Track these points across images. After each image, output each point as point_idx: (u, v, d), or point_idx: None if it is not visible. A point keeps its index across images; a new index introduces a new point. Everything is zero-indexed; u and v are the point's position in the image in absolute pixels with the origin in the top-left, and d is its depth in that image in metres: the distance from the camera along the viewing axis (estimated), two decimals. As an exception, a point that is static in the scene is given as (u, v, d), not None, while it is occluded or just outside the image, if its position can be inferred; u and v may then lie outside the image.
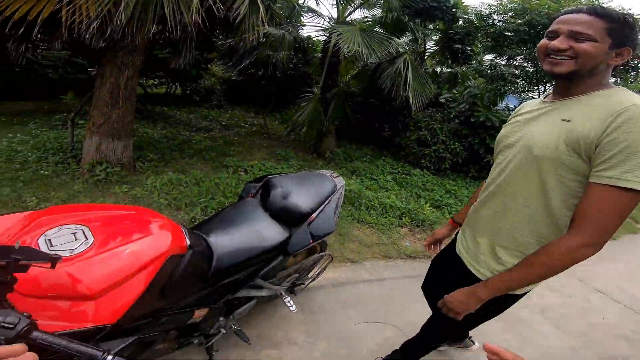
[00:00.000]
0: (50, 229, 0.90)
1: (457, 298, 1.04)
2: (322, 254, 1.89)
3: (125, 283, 0.87)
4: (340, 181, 1.76)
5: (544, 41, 0.92)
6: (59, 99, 5.22)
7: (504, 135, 1.06)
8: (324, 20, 5.62)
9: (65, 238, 0.88)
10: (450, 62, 7.00)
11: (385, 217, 3.31)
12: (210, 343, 1.52)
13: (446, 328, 1.30)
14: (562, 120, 0.87)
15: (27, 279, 0.74)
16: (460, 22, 6.50)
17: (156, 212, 1.15)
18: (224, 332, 1.54)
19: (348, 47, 4.02)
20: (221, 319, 1.48)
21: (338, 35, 4.13)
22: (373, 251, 2.73)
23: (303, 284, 2.02)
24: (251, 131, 6.51)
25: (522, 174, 0.95)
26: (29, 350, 0.57)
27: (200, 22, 2.77)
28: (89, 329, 0.80)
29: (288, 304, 1.68)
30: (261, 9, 3.34)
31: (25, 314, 0.60)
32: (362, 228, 3.08)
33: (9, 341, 0.58)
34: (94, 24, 2.42)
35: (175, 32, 2.75)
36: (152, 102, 7.38)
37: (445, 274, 1.34)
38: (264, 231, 1.38)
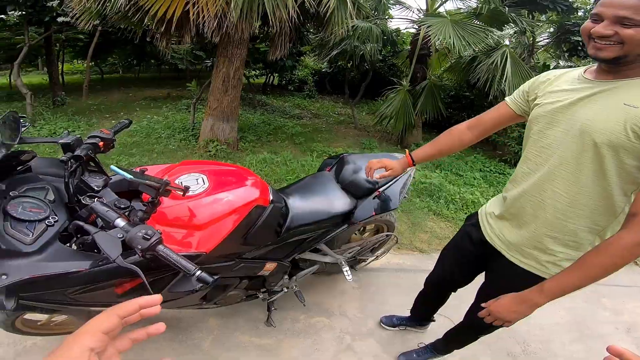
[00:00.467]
0: (182, 174, 1.25)
1: (508, 307, 0.97)
2: (388, 234, 1.97)
3: (222, 220, 1.12)
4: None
5: (587, 24, 0.84)
6: (185, 87, 6.33)
7: (543, 114, 0.96)
8: (412, 12, 5.50)
9: (190, 182, 1.21)
10: (567, 55, 6.27)
11: (465, 212, 3.19)
12: (272, 299, 1.70)
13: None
14: (625, 105, 0.80)
15: (159, 211, 1.04)
16: (580, 14, 5.71)
17: (252, 172, 1.44)
18: (286, 291, 1.72)
19: (438, 38, 3.90)
20: (285, 278, 1.66)
21: (427, 27, 4.02)
22: (444, 244, 2.68)
23: (365, 260, 2.14)
24: (339, 120, 6.79)
25: (576, 159, 0.88)
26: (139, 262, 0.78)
27: (295, 17, 3.09)
28: (190, 254, 1.03)
29: (346, 274, 1.79)
30: (349, 4, 3.54)
31: (158, 230, 0.80)
32: (438, 220, 3.05)
33: (143, 251, 0.76)
34: (214, 21, 2.89)
35: (274, 26, 3.16)
36: (253, 91, 8.31)
37: (470, 266, 1.31)
38: (333, 199, 1.54)
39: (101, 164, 1.11)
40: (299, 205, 1.47)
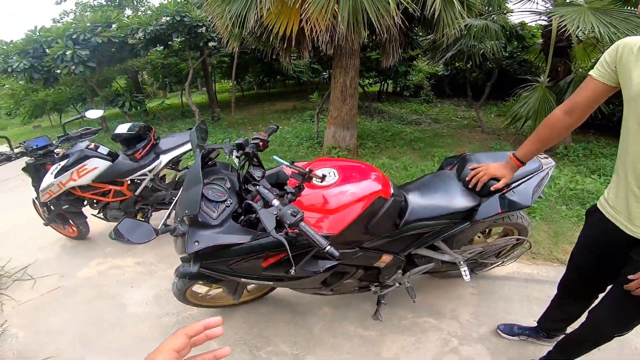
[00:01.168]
0: (317, 168, 1.49)
1: None
2: (519, 238, 1.85)
3: (348, 208, 1.29)
4: (549, 162, 1.67)
5: None
6: (308, 99, 7.13)
7: None
8: (536, 3, 4.80)
9: (325, 173, 1.45)
10: None
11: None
12: (383, 293, 1.78)
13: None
14: None
15: (298, 199, 1.25)
16: None
17: (377, 169, 1.58)
18: (398, 285, 1.78)
19: (578, 28, 3.40)
20: (399, 272, 1.72)
21: (560, 17, 3.54)
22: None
23: (488, 265, 2.02)
24: (462, 125, 6.42)
25: None
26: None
27: (400, 23, 3.14)
28: (322, 234, 1.19)
29: (463, 273, 1.75)
30: (456, 3, 3.39)
31: (302, 210, 1.01)
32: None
33: (290, 226, 0.98)
34: (325, 34, 3.19)
35: (382, 34, 3.27)
36: (369, 99, 8.65)
37: (602, 261, 1.19)
38: (453, 196, 1.55)
39: (260, 160, 1.49)
40: (418, 200, 1.54)
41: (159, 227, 1.08)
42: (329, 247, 0.94)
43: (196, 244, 1.13)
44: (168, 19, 5.67)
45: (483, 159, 1.66)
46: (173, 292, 1.73)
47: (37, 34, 6.27)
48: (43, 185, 2.39)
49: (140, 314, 2.10)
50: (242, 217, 1.29)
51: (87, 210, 2.75)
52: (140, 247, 2.73)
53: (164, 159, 2.54)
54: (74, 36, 5.84)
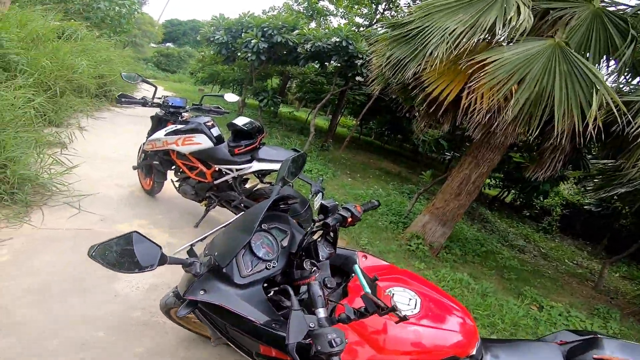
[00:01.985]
0: (398, 285, 1.17)
1: None
2: None
3: (408, 357, 1.01)
4: None
5: None
6: (418, 172, 6.72)
7: None
8: None
9: (403, 299, 1.11)
10: None
11: None
12: None
13: None
14: None
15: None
16: None
17: (469, 313, 1.21)
18: None
19: None
20: None
21: None
22: None
23: None
24: (572, 272, 5.32)
25: None
26: None
27: (594, 133, 2.43)
28: None
29: None
30: None
31: (345, 341, 0.78)
32: None
33: (318, 352, 0.73)
34: (484, 115, 2.68)
35: (554, 139, 2.61)
36: (481, 200, 7.77)
37: None
38: None
39: (337, 238, 1.17)
40: None
41: (175, 253, 0.89)
42: None
43: (202, 292, 0.91)
44: (337, 40, 6.04)
45: (619, 353, 1.17)
46: (160, 304, 1.51)
47: (246, 18, 7.51)
48: (153, 136, 2.60)
49: (132, 294, 1.94)
50: (274, 289, 1.05)
51: (169, 174, 2.89)
52: (188, 230, 2.72)
53: (255, 166, 2.52)
54: (265, 29, 6.78)
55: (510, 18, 2.72)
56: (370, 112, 9.56)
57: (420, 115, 3.96)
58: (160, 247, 0.83)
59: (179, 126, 2.55)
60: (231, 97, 2.99)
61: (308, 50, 6.37)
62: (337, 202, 1.16)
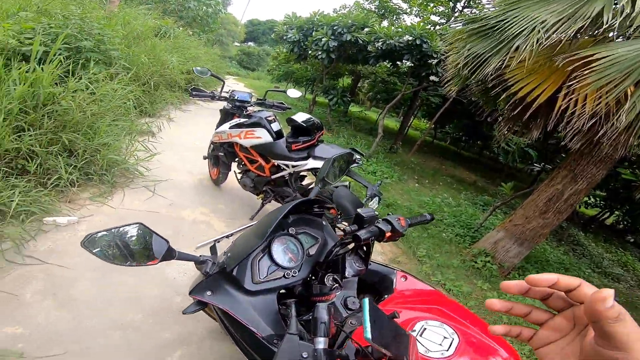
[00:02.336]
0: (433, 318, 0.96)
1: None
2: None
3: None
4: None
5: None
6: (497, 183, 6.02)
7: None
8: None
9: (436, 336, 0.90)
10: None
11: None
12: None
13: None
14: None
15: None
16: None
17: (517, 353, 0.98)
18: None
19: None
20: None
21: None
22: None
23: None
24: None
25: None
26: None
27: None
28: None
29: None
30: None
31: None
32: None
33: None
34: (586, 121, 2.24)
35: None
36: (573, 219, 6.65)
37: None
38: None
39: (370, 253, 1.01)
40: None
41: (197, 247, 0.86)
42: None
43: (208, 293, 0.84)
44: (410, 38, 5.76)
45: None
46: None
47: (317, 17, 7.66)
48: (219, 129, 2.74)
49: (179, 279, 2.04)
50: (287, 300, 0.91)
51: (233, 165, 3.03)
52: (244, 222, 2.81)
53: (310, 163, 2.48)
54: (335, 27, 6.81)
55: (623, 8, 2.22)
56: (446, 115, 8.94)
57: (503, 119, 3.48)
58: (168, 242, 0.79)
59: (242, 120, 2.64)
60: (293, 92, 3.02)
61: (379, 48, 6.19)
62: (376, 213, 1.00)
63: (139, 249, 0.75)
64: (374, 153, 6.60)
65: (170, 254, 0.78)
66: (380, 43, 6.14)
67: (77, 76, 3.04)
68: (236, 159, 2.92)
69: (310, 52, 7.40)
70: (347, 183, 2.64)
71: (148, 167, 3.15)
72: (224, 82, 3.03)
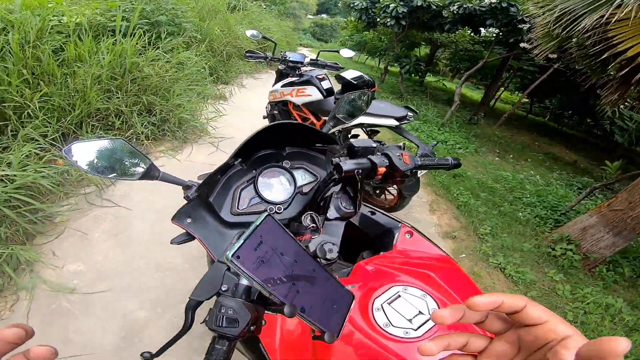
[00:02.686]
0: (416, 288, 0.72)
1: None
2: None
3: None
4: None
5: None
6: (600, 163, 5.00)
7: None
8: None
9: (408, 309, 0.68)
10: None
11: None
12: None
13: None
14: None
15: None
16: None
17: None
18: None
19: None
20: None
21: None
22: None
23: None
24: None
25: None
26: None
27: None
28: None
29: None
30: None
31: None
32: None
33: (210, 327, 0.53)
34: None
35: None
36: None
37: None
38: None
39: (360, 193, 0.80)
40: None
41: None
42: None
43: (188, 220, 0.75)
44: (493, 1, 5.02)
45: None
46: None
47: None
48: (273, 88, 2.80)
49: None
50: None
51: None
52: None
53: (360, 119, 2.37)
54: None
55: None
56: (546, 88, 7.73)
57: (614, 87, 2.81)
58: (151, 161, 0.73)
59: (294, 79, 2.66)
60: (347, 52, 2.96)
61: (455, 13, 5.48)
62: (379, 142, 0.86)
63: (119, 164, 0.70)
64: (447, 122, 6.05)
65: (152, 174, 0.72)
66: (456, 7, 5.45)
67: (155, 47, 3.40)
68: (290, 118, 2.96)
69: (378, 19, 6.96)
70: (401, 144, 2.47)
71: (215, 126, 3.43)
72: (275, 44, 3.07)
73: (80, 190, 2.28)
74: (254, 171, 0.85)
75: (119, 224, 2.11)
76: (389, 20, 6.50)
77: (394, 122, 2.26)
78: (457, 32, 7.49)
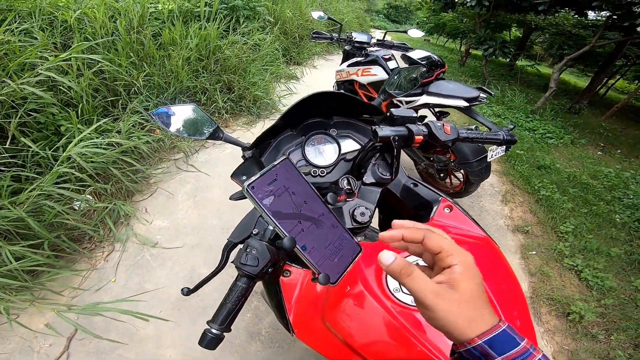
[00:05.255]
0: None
1: None
2: None
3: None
4: None
5: None
6: None
7: None
8: None
9: None
10: None
11: None
12: None
13: None
14: None
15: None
16: None
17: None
18: None
19: None
20: None
21: None
22: None
23: None
24: None
25: None
26: None
27: None
28: None
29: None
30: None
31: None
32: None
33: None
34: None
35: None
36: None
37: None
38: None
39: (397, 161, 0.85)
40: None
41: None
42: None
43: (244, 177, 0.88)
44: None
45: None
46: None
47: None
48: (339, 67, 2.91)
49: None
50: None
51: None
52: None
53: (423, 99, 2.35)
54: None
55: None
56: None
57: None
58: (217, 125, 0.87)
59: (360, 59, 2.72)
60: (415, 32, 2.91)
61: None
62: (415, 115, 0.84)
63: (192, 125, 0.85)
64: (538, 109, 5.46)
65: (217, 135, 0.87)
66: (554, -13, 4.81)
67: (234, 30, 3.77)
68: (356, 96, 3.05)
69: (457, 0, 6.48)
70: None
71: (286, 103, 3.74)
72: (341, 25, 3.14)
73: (171, 156, 2.71)
74: (303, 137, 0.95)
75: (198, 187, 2.47)
76: (469, 1, 6.04)
77: (463, 103, 2.19)
78: (556, 15, 6.57)
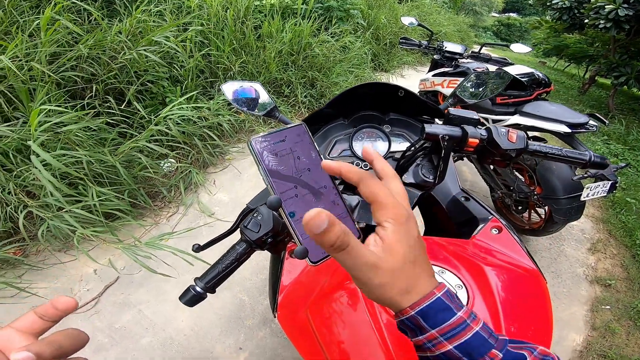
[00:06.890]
0: (456, 274, 0.68)
1: None
2: None
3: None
4: None
5: None
6: None
7: None
8: None
9: None
10: None
11: None
12: None
13: None
14: None
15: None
16: None
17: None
18: None
19: None
20: None
21: None
22: None
23: None
24: None
25: None
26: None
27: None
28: None
29: None
30: None
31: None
32: None
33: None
34: None
35: None
36: None
37: None
38: None
39: (444, 165, 0.74)
40: None
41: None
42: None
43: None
44: None
45: None
46: None
47: None
48: (424, 76, 2.83)
49: None
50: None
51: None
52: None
53: (513, 119, 2.16)
54: None
55: None
56: None
57: None
58: (275, 104, 0.93)
59: (448, 69, 2.61)
60: (519, 47, 2.65)
61: None
62: (477, 117, 0.73)
63: (253, 101, 0.92)
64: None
65: (273, 114, 0.92)
66: None
67: (325, 30, 3.94)
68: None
69: (587, 21, 5.67)
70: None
71: None
72: (432, 32, 3.01)
73: (249, 136, 2.97)
74: (353, 128, 0.93)
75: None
76: (602, 22, 5.28)
77: (565, 129, 1.90)
78: None
